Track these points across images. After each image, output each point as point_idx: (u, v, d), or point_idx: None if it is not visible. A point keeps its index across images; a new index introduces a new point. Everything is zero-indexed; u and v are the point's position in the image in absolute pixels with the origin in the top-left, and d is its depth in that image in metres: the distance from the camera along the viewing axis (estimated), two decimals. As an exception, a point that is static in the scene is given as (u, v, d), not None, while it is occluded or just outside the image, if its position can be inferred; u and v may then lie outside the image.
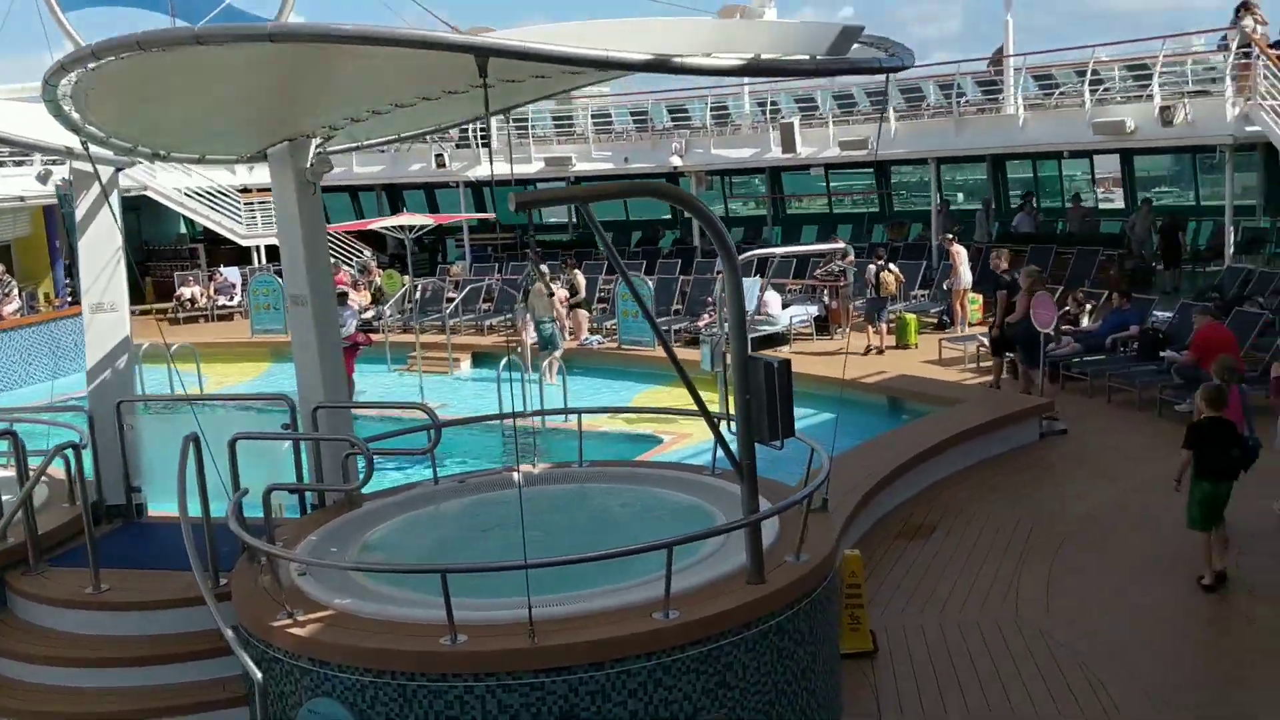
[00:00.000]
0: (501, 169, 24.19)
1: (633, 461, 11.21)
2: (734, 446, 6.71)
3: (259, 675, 6.55)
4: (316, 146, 8.41)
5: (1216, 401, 9.02)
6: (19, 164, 25.81)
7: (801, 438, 7.66)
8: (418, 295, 22.65)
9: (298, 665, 6.31)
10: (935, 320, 20.36)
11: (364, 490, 8.50)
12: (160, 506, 9.71)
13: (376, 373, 19.97)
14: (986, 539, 10.25)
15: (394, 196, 32.70)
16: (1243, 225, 22.24)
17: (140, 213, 30.02)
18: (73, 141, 7.89)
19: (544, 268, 21.01)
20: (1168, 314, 16.84)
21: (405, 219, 24.37)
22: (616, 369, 19.17)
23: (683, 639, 6.09)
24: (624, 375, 18.71)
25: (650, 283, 21.21)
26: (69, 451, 8.65)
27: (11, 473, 9.24)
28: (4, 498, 9.04)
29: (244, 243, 29.62)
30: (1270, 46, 19.08)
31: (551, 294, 18.58)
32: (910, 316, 19.30)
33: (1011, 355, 15.30)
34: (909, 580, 9.46)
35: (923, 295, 21.68)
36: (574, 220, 32.57)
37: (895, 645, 8.22)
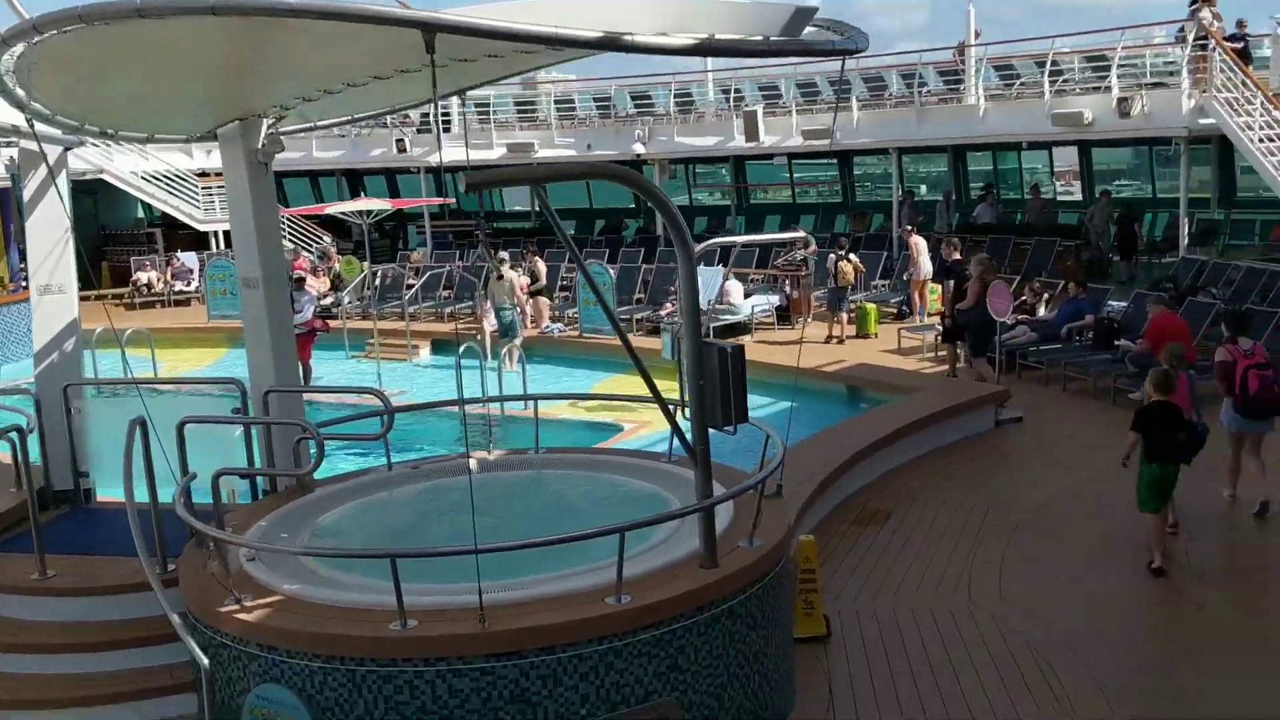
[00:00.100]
0: (460, 154, 24.06)
1: (589, 449, 11.18)
2: (689, 433, 6.69)
3: (205, 661, 6.48)
4: (268, 126, 8.29)
5: (1164, 386, 9.16)
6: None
7: (756, 424, 7.67)
8: (377, 282, 22.46)
9: (245, 651, 6.23)
10: (895, 310, 20.47)
11: (316, 476, 8.42)
12: (110, 492, 9.56)
13: (335, 359, 19.81)
14: (941, 525, 10.31)
15: (354, 182, 32.45)
16: (1197, 217, 22.53)
17: (97, 197, 29.60)
18: (19, 120, 7.74)
19: (504, 254, 20.91)
20: (1122, 304, 17.02)
21: (363, 204, 24.17)
22: (578, 357, 19.11)
23: (634, 623, 6.08)
24: (585, 364, 18.66)
25: (612, 271, 21.15)
26: (14, 435, 8.50)
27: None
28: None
29: (202, 227, 29.29)
30: (1226, 39, 19.31)
31: (500, 276, 18.49)
32: (870, 306, 19.40)
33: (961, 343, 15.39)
34: (864, 566, 9.49)
35: (883, 285, 21.79)
36: (536, 208, 32.47)
37: (849, 630, 8.24)
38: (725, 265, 21.06)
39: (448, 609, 6.11)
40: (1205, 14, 19.56)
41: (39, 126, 7.80)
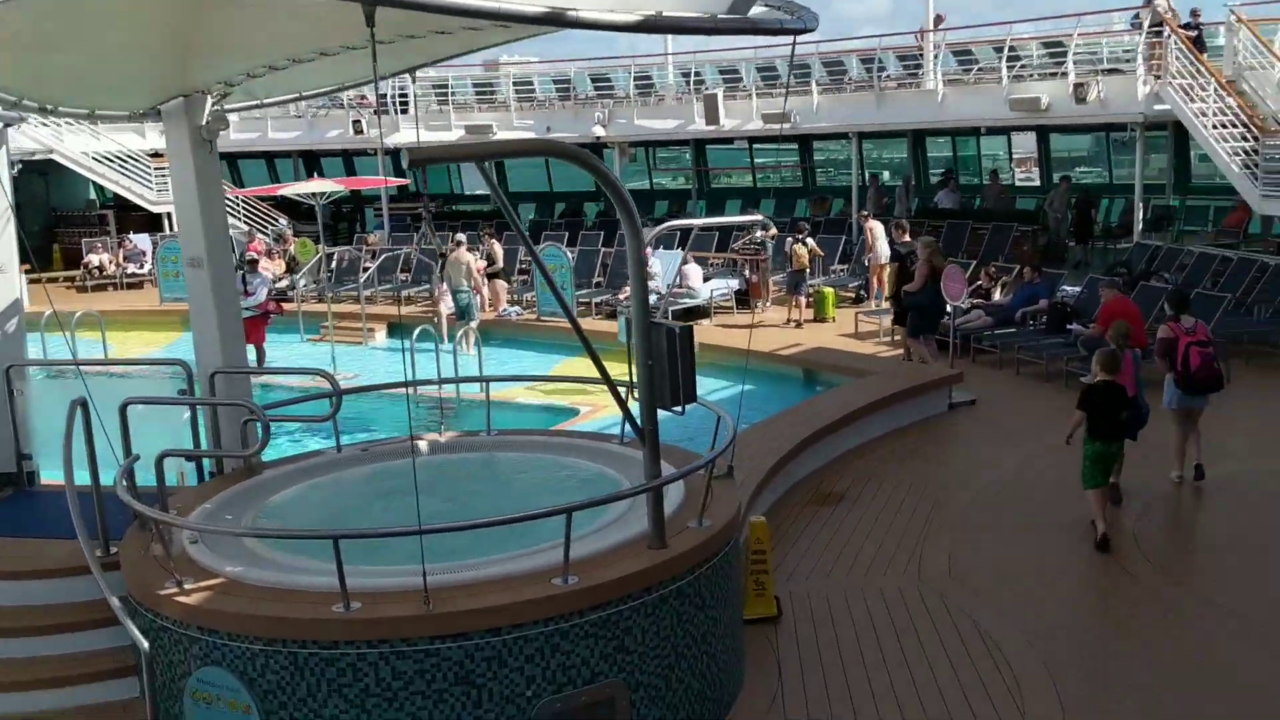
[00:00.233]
0: (413, 135, 23.82)
1: (541, 430, 11.13)
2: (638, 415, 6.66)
3: (145, 645, 6.39)
4: (213, 103, 8.15)
5: (1110, 366, 9.30)
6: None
7: (706, 404, 7.66)
8: (333, 265, 22.22)
9: (186, 634, 6.15)
10: (854, 294, 20.53)
11: (264, 458, 8.32)
12: (54, 475, 9.40)
13: (289, 342, 19.60)
14: (894, 506, 10.36)
15: (311, 163, 32.08)
16: (1152, 203, 22.78)
17: (49, 178, 29.11)
18: (-45, 94, 7.57)
19: (461, 236, 20.75)
20: (1076, 288, 17.16)
21: (316, 185, 23.89)
22: (535, 340, 19.02)
23: (581, 604, 6.05)
24: (543, 347, 18.57)
25: (571, 255, 21.06)
26: (-46, 417, 8.35)
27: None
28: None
29: (154, 209, 28.82)
30: (1181, 27, 19.48)
31: (443, 254, 18.34)
32: (829, 290, 19.43)
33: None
34: (816, 547, 9.52)
35: (842, 270, 21.84)
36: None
37: (800, 611, 8.26)
38: (684, 249, 21.04)
39: (393, 591, 6.05)
40: (1160, 1, 19.73)
41: (-24, 101, 7.64)
